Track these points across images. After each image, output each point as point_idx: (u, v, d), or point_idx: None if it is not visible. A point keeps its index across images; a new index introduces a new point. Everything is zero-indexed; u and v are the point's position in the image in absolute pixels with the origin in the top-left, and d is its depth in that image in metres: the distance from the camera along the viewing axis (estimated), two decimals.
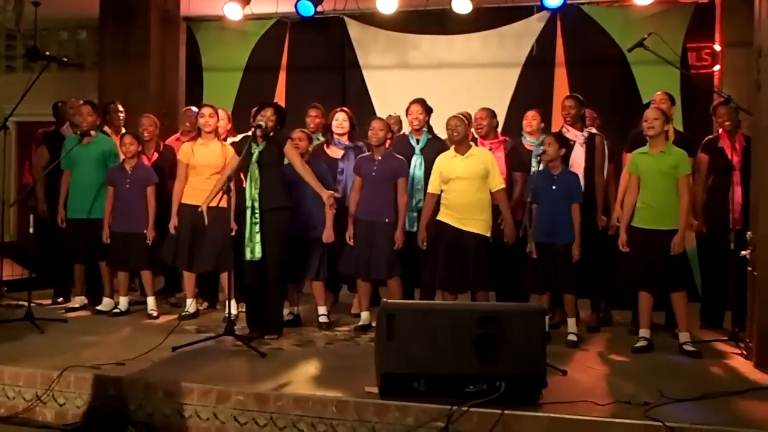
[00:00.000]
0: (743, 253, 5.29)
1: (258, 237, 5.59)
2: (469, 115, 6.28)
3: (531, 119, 6.38)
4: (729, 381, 4.66)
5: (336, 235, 6.09)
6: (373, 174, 5.98)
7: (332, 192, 5.73)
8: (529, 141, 6.33)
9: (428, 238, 5.86)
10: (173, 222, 6.32)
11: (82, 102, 6.92)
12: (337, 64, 9.46)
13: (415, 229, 6.10)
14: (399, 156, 6.12)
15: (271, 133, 5.74)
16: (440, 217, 5.84)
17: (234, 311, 6.09)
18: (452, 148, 5.91)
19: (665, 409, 3.99)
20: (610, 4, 8.64)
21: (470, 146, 5.89)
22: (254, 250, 5.59)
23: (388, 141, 6.16)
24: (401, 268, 6.00)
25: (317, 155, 6.38)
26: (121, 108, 7.35)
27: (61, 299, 7.12)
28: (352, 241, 5.99)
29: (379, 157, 6.02)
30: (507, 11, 8.78)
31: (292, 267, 6.06)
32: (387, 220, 5.95)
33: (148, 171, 6.62)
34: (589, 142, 6.14)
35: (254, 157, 5.64)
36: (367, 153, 6.20)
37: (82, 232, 6.63)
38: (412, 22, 9.07)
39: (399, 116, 7.07)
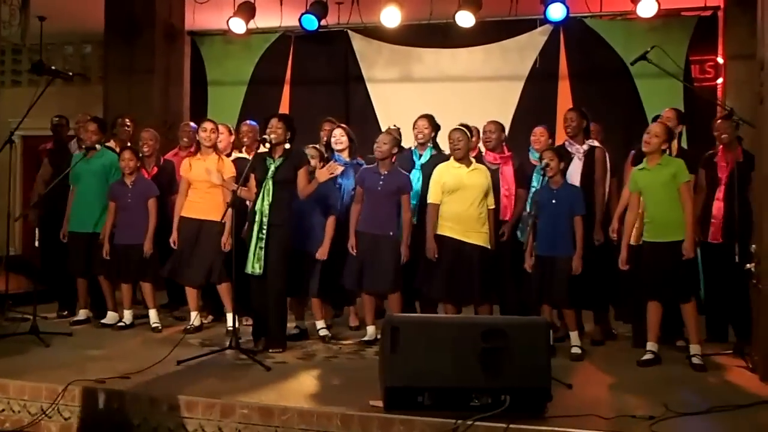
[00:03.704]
0: (748, 266, 5.28)
1: (262, 252, 5.60)
2: (471, 127, 6.26)
3: (539, 135, 6.33)
4: (734, 395, 4.64)
5: (334, 251, 6.10)
6: (379, 188, 5.96)
7: None
8: (535, 157, 6.29)
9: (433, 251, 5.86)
10: (173, 236, 6.34)
11: (88, 118, 6.96)
12: (341, 77, 9.49)
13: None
14: (404, 172, 6.12)
15: (287, 146, 5.77)
16: (440, 231, 5.83)
17: (236, 324, 6.10)
18: (452, 159, 5.91)
19: (670, 423, 3.98)
20: (613, 18, 8.66)
21: (471, 160, 5.93)
22: (256, 265, 5.60)
23: (394, 156, 6.15)
24: (402, 281, 5.99)
25: None
26: (128, 122, 7.38)
27: (65, 312, 7.12)
28: (354, 251, 5.97)
29: (385, 172, 5.99)
30: (510, 25, 8.80)
31: (295, 281, 6.06)
32: (391, 234, 5.94)
33: (149, 184, 6.65)
34: (589, 155, 6.11)
35: (270, 173, 5.67)
36: (371, 165, 6.18)
37: (86, 247, 6.64)
38: (415, 35, 9.10)
39: (399, 128, 7.05)
